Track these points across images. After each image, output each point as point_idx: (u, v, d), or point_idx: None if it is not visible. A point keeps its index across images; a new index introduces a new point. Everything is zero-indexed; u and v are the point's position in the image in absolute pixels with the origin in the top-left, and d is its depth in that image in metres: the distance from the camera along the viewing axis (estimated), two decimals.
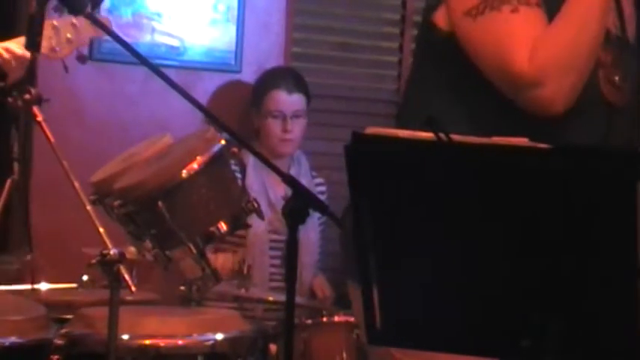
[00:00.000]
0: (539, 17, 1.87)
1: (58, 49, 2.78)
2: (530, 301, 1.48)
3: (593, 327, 1.49)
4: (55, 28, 2.77)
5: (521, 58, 1.83)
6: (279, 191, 3.66)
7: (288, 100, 3.83)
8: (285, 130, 3.80)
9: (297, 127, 3.82)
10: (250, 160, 2.60)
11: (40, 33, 2.46)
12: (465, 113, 1.93)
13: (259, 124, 3.85)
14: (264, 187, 3.72)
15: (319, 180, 3.95)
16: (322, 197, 3.84)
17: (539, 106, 1.85)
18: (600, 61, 1.93)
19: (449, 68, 1.98)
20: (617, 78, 1.94)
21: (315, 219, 3.76)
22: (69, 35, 2.77)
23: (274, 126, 3.81)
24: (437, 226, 1.48)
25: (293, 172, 3.77)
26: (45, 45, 2.72)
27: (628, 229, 1.38)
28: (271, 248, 3.73)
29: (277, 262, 3.73)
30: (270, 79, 3.89)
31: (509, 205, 1.43)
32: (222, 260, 3.51)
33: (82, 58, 2.82)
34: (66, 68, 2.82)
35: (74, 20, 2.72)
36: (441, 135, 1.39)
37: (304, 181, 3.72)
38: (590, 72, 1.91)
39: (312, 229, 3.78)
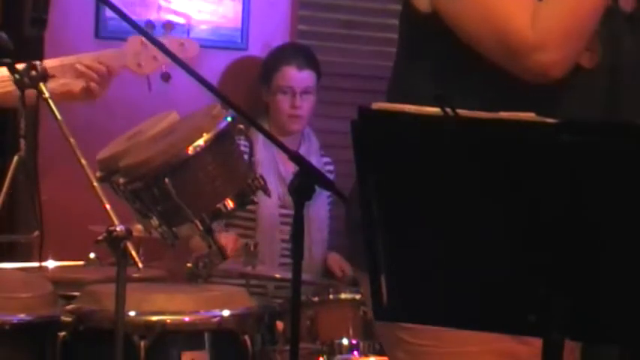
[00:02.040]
0: None
1: (143, 64, 2.87)
2: (537, 276, 1.48)
3: (601, 303, 1.49)
4: (143, 44, 2.85)
5: (523, 23, 1.82)
6: (290, 166, 3.65)
7: (298, 77, 3.83)
8: (293, 107, 3.80)
9: (306, 104, 3.82)
10: (260, 135, 2.59)
11: (46, 10, 2.46)
12: (456, 92, 1.93)
13: (269, 99, 3.86)
14: (275, 162, 3.72)
15: (327, 159, 3.95)
16: (330, 176, 3.84)
17: (540, 71, 1.84)
18: None
19: (433, 50, 1.97)
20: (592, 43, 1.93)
21: (324, 196, 3.76)
22: (155, 53, 2.85)
23: (283, 102, 3.81)
24: (444, 202, 1.48)
25: (303, 149, 3.77)
26: (132, 60, 2.85)
27: (636, 203, 1.38)
28: (282, 223, 3.73)
29: (287, 237, 3.73)
30: (281, 55, 3.89)
31: (516, 180, 1.43)
32: (224, 240, 3.50)
33: (165, 76, 2.91)
34: (149, 85, 2.93)
35: (163, 39, 2.80)
36: (448, 110, 1.39)
37: (314, 159, 3.73)
38: None
39: (321, 206, 3.78)
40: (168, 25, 3.00)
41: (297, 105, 3.80)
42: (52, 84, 2.46)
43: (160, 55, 2.82)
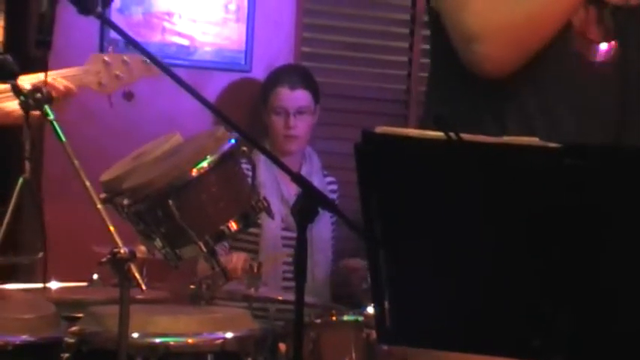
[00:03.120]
0: None
1: (105, 83, 2.81)
2: (541, 300, 1.48)
3: (605, 327, 1.49)
4: (105, 63, 2.80)
5: (474, 10, 1.83)
6: (292, 188, 3.66)
7: (291, 97, 3.82)
8: (287, 127, 3.79)
9: (301, 124, 3.81)
10: (262, 157, 2.60)
11: (50, 32, 2.47)
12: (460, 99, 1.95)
13: (267, 121, 3.87)
14: (277, 184, 3.72)
15: (331, 179, 3.95)
16: (334, 196, 3.84)
17: (475, 63, 1.85)
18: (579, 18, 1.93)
19: (441, 57, 2.00)
20: (594, 35, 1.93)
21: (327, 217, 3.76)
22: (118, 72, 2.80)
23: (277, 122, 3.82)
24: (447, 225, 1.49)
25: (305, 170, 3.78)
26: (92, 79, 2.79)
27: None
28: (284, 245, 3.72)
29: (290, 259, 3.73)
30: (275, 76, 3.91)
31: (519, 203, 1.43)
32: (235, 260, 3.51)
33: (128, 96, 2.83)
34: (110, 104, 2.85)
35: (126, 58, 2.75)
36: (451, 134, 1.40)
37: (316, 179, 3.73)
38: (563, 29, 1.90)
39: (324, 228, 3.78)
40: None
41: (291, 125, 3.79)
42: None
43: (123, 74, 2.78)
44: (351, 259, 3.87)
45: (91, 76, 2.76)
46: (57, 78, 2.73)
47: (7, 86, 2.45)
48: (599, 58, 1.93)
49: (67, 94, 2.74)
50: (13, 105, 2.48)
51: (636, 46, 1.96)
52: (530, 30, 1.86)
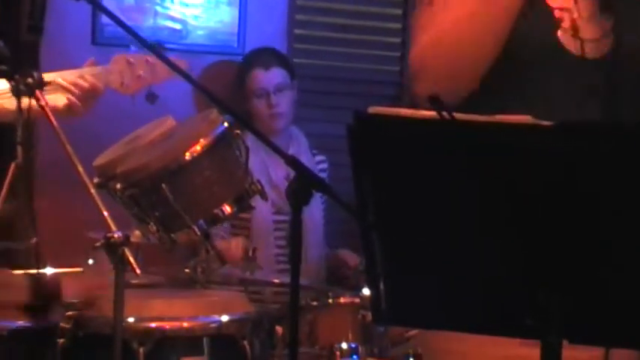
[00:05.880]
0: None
1: (127, 84, 2.79)
2: (534, 279, 1.48)
3: (599, 305, 1.49)
4: (128, 63, 2.79)
5: (416, 47, 1.86)
6: (281, 172, 3.66)
7: (267, 76, 3.84)
8: (270, 106, 3.80)
9: (283, 101, 3.82)
10: (249, 141, 2.60)
11: (42, 17, 2.46)
12: None
13: (248, 107, 3.86)
14: (266, 168, 3.72)
15: (320, 157, 3.95)
16: (324, 174, 3.85)
17: (416, 100, 1.87)
18: (570, 14, 1.93)
19: None
20: (585, 32, 1.93)
21: (318, 198, 3.76)
22: (141, 72, 2.78)
23: (260, 104, 3.82)
24: (440, 205, 1.48)
25: (292, 150, 3.78)
26: (116, 78, 2.77)
27: (635, 203, 1.38)
28: (276, 229, 3.73)
29: (282, 242, 3.73)
30: (246, 62, 3.92)
31: (513, 182, 1.43)
32: (235, 245, 3.52)
33: (151, 98, 2.80)
34: (133, 104, 2.83)
35: (149, 58, 2.74)
36: (444, 113, 1.39)
37: (304, 158, 3.73)
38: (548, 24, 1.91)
39: (316, 208, 3.79)
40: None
41: (274, 103, 3.80)
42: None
43: (145, 74, 2.78)
44: (343, 250, 3.88)
45: (115, 75, 2.77)
46: (85, 75, 2.73)
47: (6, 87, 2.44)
48: (590, 54, 1.93)
49: (94, 91, 2.74)
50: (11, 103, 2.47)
51: (633, 33, 1.96)
52: (458, 64, 1.87)
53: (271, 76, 3.84)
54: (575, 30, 1.92)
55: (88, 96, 2.71)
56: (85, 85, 2.71)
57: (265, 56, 3.89)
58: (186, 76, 2.31)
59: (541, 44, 1.90)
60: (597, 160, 1.39)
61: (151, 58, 2.78)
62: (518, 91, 1.90)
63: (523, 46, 1.89)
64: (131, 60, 2.79)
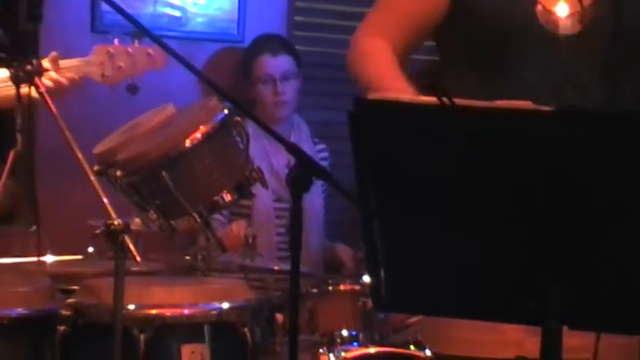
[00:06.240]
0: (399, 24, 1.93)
1: (108, 75, 2.78)
2: (535, 264, 1.47)
3: (598, 290, 1.49)
4: (109, 54, 2.78)
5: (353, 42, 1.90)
6: (282, 159, 3.66)
7: (275, 63, 3.84)
8: (276, 93, 3.81)
9: (288, 89, 3.83)
10: (250, 128, 2.60)
11: (41, 5, 2.46)
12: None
13: (253, 93, 3.86)
14: (267, 155, 3.72)
15: (321, 146, 3.95)
16: (325, 163, 3.85)
17: None
18: None
19: None
20: (556, 8, 1.95)
21: (318, 186, 3.76)
22: (121, 64, 2.77)
23: (266, 91, 3.82)
24: (440, 190, 1.48)
25: (294, 138, 3.77)
26: (96, 70, 2.76)
27: (633, 189, 1.38)
28: (276, 217, 3.73)
29: (283, 230, 3.73)
30: (254, 47, 3.92)
31: (512, 168, 1.43)
32: (236, 229, 3.52)
33: (132, 89, 2.79)
34: (113, 94, 2.84)
35: (130, 49, 2.73)
36: (444, 99, 1.39)
37: (306, 147, 3.73)
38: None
39: (316, 196, 3.79)
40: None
41: (280, 91, 3.81)
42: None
43: (127, 66, 2.77)
44: (339, 245, 3.87)
45: (95, 67, 2.76)
46: (62, 71, 2.71)
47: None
48: (564, 31, 1.95)
49: (72, 85, 2.73)
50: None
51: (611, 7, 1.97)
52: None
53: (279, 63, 3.85)
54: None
55: (61, 88, 2.68)
56: (63, 82, 2.69)
57: (273, 43, 3.90)
58: (186, 64, 2.30)
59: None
60: (596, 147, 1.39)
61: (132, 49, 2.78)
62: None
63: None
64: (112, 51, 2.78)
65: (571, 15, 1.96)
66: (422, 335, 2.02)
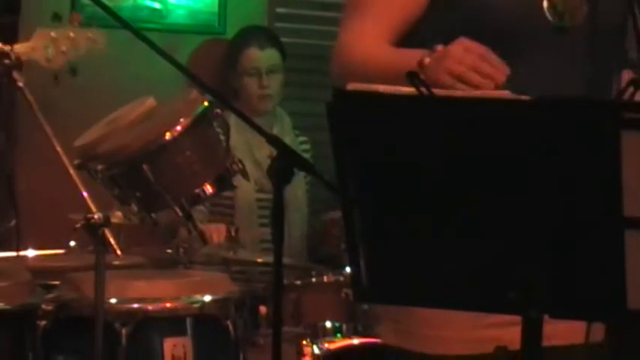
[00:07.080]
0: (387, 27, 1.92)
1: (52, 59, 2.83)
2: (516, 253, 1.47)
3: (579, 279, 1.49)
4: (52, 39, 2.82)
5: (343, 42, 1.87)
6: (265, 150, 3.66)
7: (262, 56, 3.84)
8: (262, 86, 3.81)
9: (274, 83, 3.84)
10: (232, 120, 2.59)
11: None
12: None
13: (237, 84, 3.86)
14: (249, 147, 3.72)
15: (303, 138, 3.96)
16: (306, 155, 3.85)
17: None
18: None
19: None
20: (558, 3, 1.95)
21: (301, 177, 3.75)
22: (64, 48, 2.81)
23: (251, 83, 3.82)
24: (419, 179, 1.48)
25: (276, 130, 3.77)
26: (40, 55, 2.80)
27: (613, 178, 1.38)
28: (259, 207, 3.73)
29: (266, 221, 3.73)
30: (243, 38, 3.91)
31: (492, 157, 1.42)
32: (215, 233, 3.50)
33: (72, 71, 2.90)
34: (56, 77, 2.94)
35: (71, 34, 2.75)
36: (423, 89, 1.39)
37: (288, 139, 3.73)
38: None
39: (299, 187, 3.79)
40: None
41: (265, 84, 3.82)
42: None
43: (69, 50, 2.80)
44: (333, 211, 3.86)
45: (39, 52, 2.78)
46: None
47: None
48: (568, 23, 1.95)
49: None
50: None
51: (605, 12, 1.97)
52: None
53: (266, 57, 3.85)
54: None
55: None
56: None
57: (261, 36, 3.90)
58: (167, 57, 2.29)
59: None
60: (578, 133, 1.38)
61: (73, 33, 2.81)
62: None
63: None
64: (54, 35, 2.80)
65: (564, 11, 1.96)
66: (395, 335, 2.00)
